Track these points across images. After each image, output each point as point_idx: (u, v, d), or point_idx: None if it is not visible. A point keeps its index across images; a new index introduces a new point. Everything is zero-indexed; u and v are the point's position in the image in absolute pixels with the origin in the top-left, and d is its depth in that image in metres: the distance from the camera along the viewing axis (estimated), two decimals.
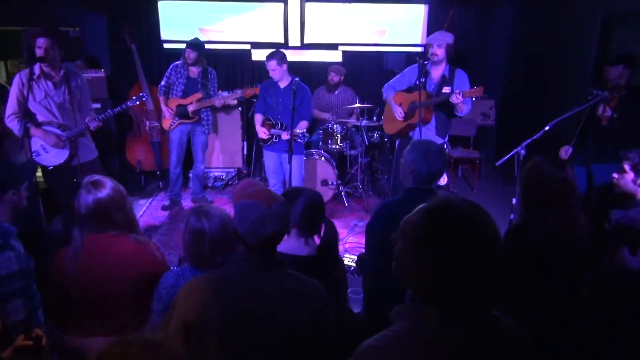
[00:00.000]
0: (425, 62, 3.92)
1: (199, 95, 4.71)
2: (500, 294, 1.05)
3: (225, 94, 5.06)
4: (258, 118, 4.51)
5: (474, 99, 3.64)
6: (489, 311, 1.07)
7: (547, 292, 2.00)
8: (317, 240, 2.07)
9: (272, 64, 4.24)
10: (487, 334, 1.04)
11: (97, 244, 1.95)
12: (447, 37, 3.86)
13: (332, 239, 2.12)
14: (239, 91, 4.75)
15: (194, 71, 4.75)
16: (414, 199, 2.17)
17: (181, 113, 4.73)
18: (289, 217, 1.59)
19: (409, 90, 4.05)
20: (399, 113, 3.99)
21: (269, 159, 4.55)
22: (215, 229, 1.83)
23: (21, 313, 1.74)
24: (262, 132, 4.42)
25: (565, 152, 3.75)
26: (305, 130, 4.35)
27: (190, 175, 5.26)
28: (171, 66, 4.80)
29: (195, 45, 4.70)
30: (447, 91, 3.79)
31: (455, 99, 3.57)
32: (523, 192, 2.15)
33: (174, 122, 4.76)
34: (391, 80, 4.18)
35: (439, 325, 1.02)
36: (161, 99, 4.79)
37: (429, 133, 3.91)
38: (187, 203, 5.20)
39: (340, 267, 2.16)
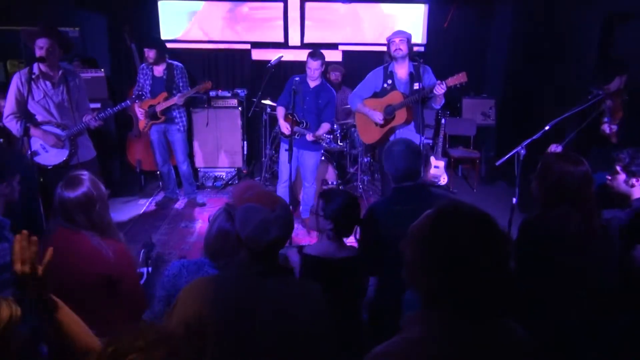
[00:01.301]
0: (387, 64, 3.94)
1: (165, 94, 4.64)
2: (510, 298, 1.04)
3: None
4: (281, 111, 4.40)
5: (458, 85, 3.61)
6: (499, 317, 1.06)
7: (558, 288, 2.00)
8: (352, 241, 2.13)
9: (317, 64, 4.14)
10: (497, 341, 1.03)
11: (62, 237, 2.00)
12: (408, 34, 3.88)
13: None
14: (195, 88, 4.63)
15: (159, 70, 4.67)
16: (399, 197, 2.28)
17: (151, 114, 4.69)
18: (292, 221, 1.58)
19: (376, 95, 4.01)
20: (378, 117, 3.93)
21: (286, 153, 4.33)
22: None
23: None
24: (285, 127, 4.29)
25: (554, 150, 3.67)
26: (326, 133, 4.32)
27: None
28: (139, 68, 4.77)
29: (152, 43, 4.61)
30: (418, 87, 3.78)
31: (440, 89, 3.55)
32: (538, 186, 2.14)
33: (147, 124, 4.75)
34: (355, 90, 4.15)
35: (449, 333, 1.01)
36: (136, 102, 4.74)
37: (409, 133, 3.90)
38: (184, 204, 5.18)
39: None
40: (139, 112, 4.73)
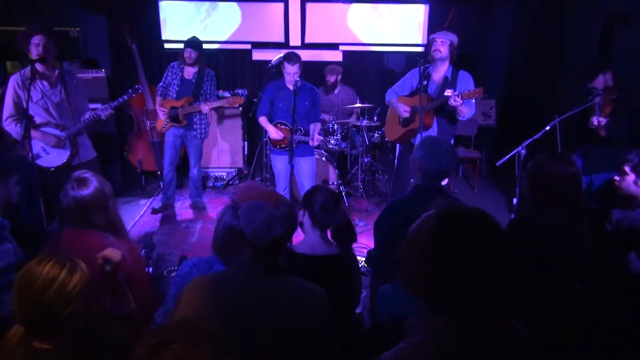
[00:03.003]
0: (427, 65, 3.75)
1: (190, 98, 4.55)
2: (511, 298, 1.04)
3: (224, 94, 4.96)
4: (265, 120, 4.24)
5: (473, 100, 3.48)
6: (501, 318, 1.06)
7: (544, 288, 2.00)
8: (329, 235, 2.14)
9: (295, 68, 3.97)
10: (499, 341, 1.03)
11: (73, 239, 1.97)
12: (452, 36, 3.70)
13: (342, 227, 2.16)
14: (224, 100, 4.58)
15: (189, 72, 4.59)
16: (421, 196, 2.21)
17: (173, 116, 4.59)
18: (296, 219, 1.59)
19: (412, 94, 3.91)
20: (403, 110, 3.78)
21: (281, 163, 4.24)
22: None
23: (9, 307, 1.71)
24: (276, 133, 4.14)
25: None
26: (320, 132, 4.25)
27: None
28: (169, 66, 4.71)
29: (195, 44, 4.55)
30: (449, 94, 3.58)
31: (454, 101, 3.37)
32: (530, 186, 2.14)
33: (166, 124, 4.68)
34: (394, 85, 4.06)
35: (451, 335, 1.01)
36: (158, 99, 4.66)
37: None
38: (186, 204, 5.18)
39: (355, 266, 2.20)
40: (160, 111, 4.62)
